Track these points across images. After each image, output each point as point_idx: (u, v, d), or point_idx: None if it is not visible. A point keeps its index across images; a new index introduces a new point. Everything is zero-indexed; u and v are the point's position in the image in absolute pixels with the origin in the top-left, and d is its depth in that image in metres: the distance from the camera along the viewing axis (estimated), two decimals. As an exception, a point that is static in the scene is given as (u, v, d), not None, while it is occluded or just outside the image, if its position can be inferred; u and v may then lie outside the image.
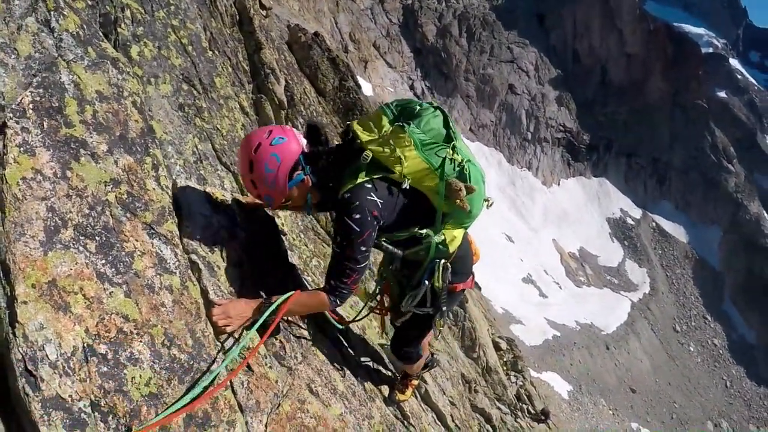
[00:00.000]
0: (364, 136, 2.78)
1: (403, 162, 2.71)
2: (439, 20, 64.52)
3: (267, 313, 2.53)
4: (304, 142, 2.81)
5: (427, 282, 3.11)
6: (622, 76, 73.72)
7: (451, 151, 2.80)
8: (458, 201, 2.76)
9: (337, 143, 2.97)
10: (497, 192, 58.52)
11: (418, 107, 2.88)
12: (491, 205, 3.07)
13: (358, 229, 2.61)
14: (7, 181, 1.92)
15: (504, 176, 62.13)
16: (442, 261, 3.07)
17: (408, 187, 2.74)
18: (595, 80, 73.42)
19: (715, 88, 77.98)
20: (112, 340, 1.89)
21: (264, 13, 10.44)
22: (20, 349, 1.65)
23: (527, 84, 67.37)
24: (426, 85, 60.70)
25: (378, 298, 3.69)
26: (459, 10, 66.57)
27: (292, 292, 2.67)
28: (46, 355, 1.68)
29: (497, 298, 41.92)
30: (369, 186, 2.69)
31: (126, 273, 2.10)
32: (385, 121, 2.84)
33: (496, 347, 15.99)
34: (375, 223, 2.68)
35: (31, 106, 2.16)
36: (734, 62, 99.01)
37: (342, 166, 2.81)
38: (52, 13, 2.59)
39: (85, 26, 2.76)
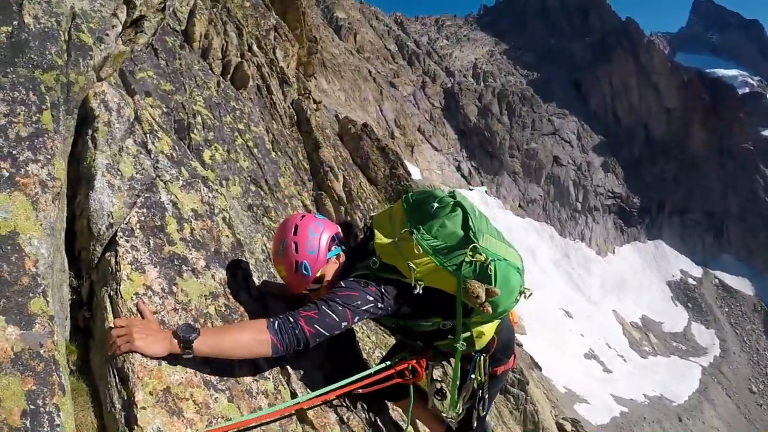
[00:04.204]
0: (379, 238, 2.72)
1: (413, 270, 2.58)
2: (479, 100, 65.91)
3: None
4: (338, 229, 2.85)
5: (472, 376, 2.98)
6: (665, 132, 73.31)
7: (470, 253, 2.59)
8: (478, 306, 2.59)
9: (361, 238, 2.98)
10: (551, 266, 57.64)
11: (436, 205, 2.74)
12: (530, 296, 2.84)
13: (344, 286, 2.53)
14: (122, 296, 2.17)
15: (557, 250, 61.28)
16: (483, 356, 2.96)
17: (420, 292, 2.59)
18: (639, 140, 73.11)
19: (758, 128, 76.22)
20: (220, 442, 2.05)
21: (315, 107, 11.14)
22: (139, 450, 1.81)
23: (571, 154, 67.46)
24: (472, 165, 61.38)
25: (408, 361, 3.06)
26: (497, 88, 68.01)
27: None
28: (163, 455, 1.84)
29: (559, 377, 40.57)
30: (373, 279, 2.62)
31: (228, 380, 2.29)
32: (401, 213, 2.80)
33: (561, 429, 15.47)
34: (368, 295, 2.54)
35: (138, 225, 2.44)
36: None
37: (356, 261, 2.79)
38: (147, 135, 2.91)
39: (176, 147, 3.08)
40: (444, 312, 2.72)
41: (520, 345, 29.93)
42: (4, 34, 2.32)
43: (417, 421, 4.09)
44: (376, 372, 2.78)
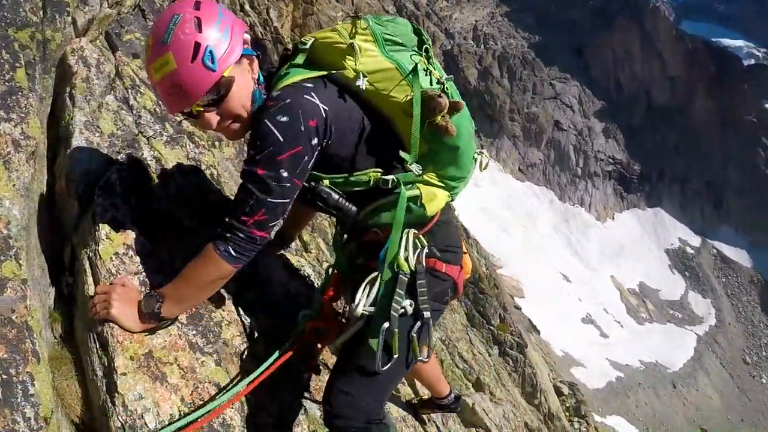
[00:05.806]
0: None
1: (357, 53, 1.94)
2: (480, 63, 65.08)
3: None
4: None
5: (401, 251, 2.10)
6: (667, 99, 72.52)
7: (425, 60, 2.04)
8: (439, 120, 1.96)
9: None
10: (551, 231, 57.72)
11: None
12: (486, 166, 2.28)
13: (282, 138, 1.78)
14: (101, 257, 2.05)
15: (557, 214, 61.30)
16: (412, 231, 2.15)
17: (364, 87, 1.96)
18: (641, 107, 72.37)
19: (762, 101, 75.24)
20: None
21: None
22: (120, 417, 1.74)
23: (573, 119, 66.93)
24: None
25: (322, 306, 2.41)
26: (498, 51, 67.10)
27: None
28: (145, 423, 1.76)
29: (556, 340, 40.95)
30: (308, 85, 1.91)
31: (216, 342, 2.17)
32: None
33: (558, 392, 15.69)
34: (312, 138, 1.84)
35: (118, 182, 2.29)
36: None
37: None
38: (129, 91, 2.79)
39: (161, 102, 2.95)
40: (382, 158, 2.09)
41: (518, 308, 30.09)
42: (-26, -10, 2.21)
43: (418, 382, 4.00)
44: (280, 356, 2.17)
